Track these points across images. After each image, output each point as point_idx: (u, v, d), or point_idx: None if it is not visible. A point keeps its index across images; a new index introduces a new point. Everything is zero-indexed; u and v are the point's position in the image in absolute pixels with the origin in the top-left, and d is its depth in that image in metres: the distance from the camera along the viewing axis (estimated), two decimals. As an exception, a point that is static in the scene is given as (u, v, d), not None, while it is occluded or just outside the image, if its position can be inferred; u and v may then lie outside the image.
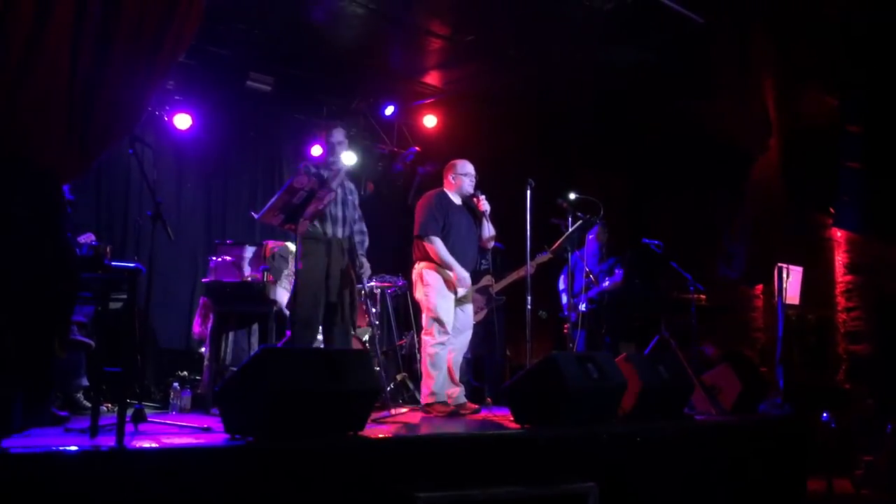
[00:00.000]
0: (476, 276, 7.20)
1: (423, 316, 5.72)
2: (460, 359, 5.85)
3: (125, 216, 7.21)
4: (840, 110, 7.38)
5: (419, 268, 5.73)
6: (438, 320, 5.58)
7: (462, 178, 5.87)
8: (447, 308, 5.63)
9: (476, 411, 5.65)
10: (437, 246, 5.63)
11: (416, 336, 7.50)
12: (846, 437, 6.49)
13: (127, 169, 7.14)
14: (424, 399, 5.57)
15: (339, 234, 5.31)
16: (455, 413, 5.49)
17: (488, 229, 5.95)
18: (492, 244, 6.11)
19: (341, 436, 3.64)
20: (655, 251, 6.97)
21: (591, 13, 6.32)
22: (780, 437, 5.62)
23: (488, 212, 5.87)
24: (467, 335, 5.87)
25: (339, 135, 5.51)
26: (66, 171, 3.64)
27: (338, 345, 5.20)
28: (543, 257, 6.58)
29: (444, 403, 5.51)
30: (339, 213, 5.34)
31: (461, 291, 5.75)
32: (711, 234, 8.11)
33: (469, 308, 5.87)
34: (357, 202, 5.61)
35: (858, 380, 7.34)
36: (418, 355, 7.41)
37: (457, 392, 5.69)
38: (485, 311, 7.12)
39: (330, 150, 5.51)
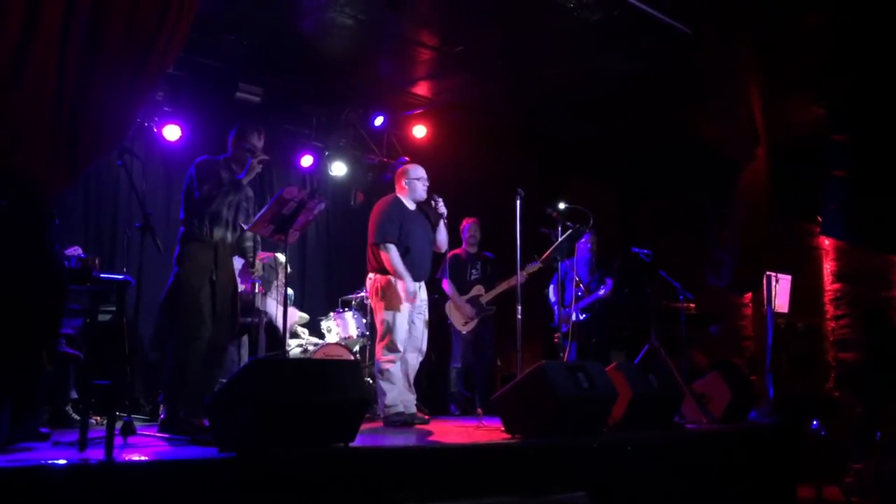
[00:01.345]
0: (467, 287, 7.22)
1: (377, 327, 5.70)
2: (416, 367, 5.81)
3: (114, 228, 7.17)
4: (826, 119, 7.44)
5: (372, 278, 5.72)
6: (391, 334, 5.57)
7: (415, 183, 5.83)
8: (400, 321, 5.59)
9: (426, 421, 5.67)
10: (392, 254, 5.59)
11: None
12: (835, 444, 6.52)
13: (116, 180, 7.11)
14: (382, 411, 5.61)
15: (228, 239, 4.91)
16: (400, 421, 5.49)
17: (444, 234, 5.92)
18: (445, 247, 6.08)
19: (331, 447, 3.63)
20: (644, 260, 6.99)
21: (579, 24, 6.35)
22: (770, 446, 5.64)
23: (445, 215, 5.84)
24: (423, 343, 5.82)
25: (260, 140, 5.06)
26: (55, 183, 3.63)
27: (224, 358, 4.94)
28: (533, 267, 6.60)
29: (400, 413, 5.52)
30: (230, 218, 4.91)
31: (415, 302, 5.71)
32: (700, 242, 8.15)
33: (422, 319, 5.80)
34: (252, 210, 5.07)
35: (848, 388, 7.37)
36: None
37: (410, 400, 5.68)
38: (475, 322, 7.13)
39: (244, 151, 4.97)
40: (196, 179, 4.84)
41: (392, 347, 5.57)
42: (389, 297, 5.59)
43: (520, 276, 5.90)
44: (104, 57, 3.62)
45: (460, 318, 7.16)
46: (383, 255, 5.62)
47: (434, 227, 5.91)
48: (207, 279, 4.76)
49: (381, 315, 5.63)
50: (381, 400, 5.63)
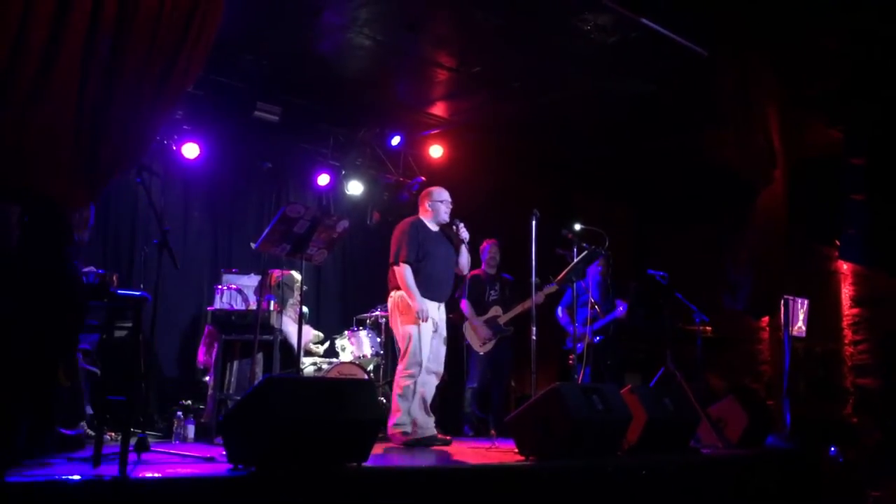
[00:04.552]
0: (485, 308, 7.21)
1: (398, 345, 5.74)
2: (434, 389, 5.82)
3: (132, 244, 7.23)
4: (844, 142, 7.40)
5: (395, 296, 5.75)
6: (413, 350, 5.58)
7: (438, 206, 5.89)
8: (423, 337, 5.62)
9: (447, 443, 5.65)
10: (406, 273, 5.64)
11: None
12: (853, 471, 6.43)
13: (134, 197, 7.17)
14: (389, 430, 5.58)
15: None
16: (421, 443, 5.49)
17: (466, 257, 5.96)
18: (467, 271, 6.13)
19: (344, 466, 3.62)
20: (661, 282, 6.96)
21: (596, 45, 6.37)
22: (788, 471, 5.58)
23: (467, 240, 5.88)
24: (441, 364, 5.83)
25: None
26: (74, 201, 3.67)
27: None
28: (550, 288, 6.59)
29: (405, 433, 5.53)
30: None
31: (437, 322, 5.75)
32: (716, 265, 8.11)
33: (441, 340, 5.83)
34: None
35: (866, 413, 7.28)
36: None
37: (428, 423, 5.67)
38: (493, 342, 7.11)
39: None
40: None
41: (412, 363, 5.57)
42: (411, 313, 5.61)
43: (535, 298, 5.88)
44: (125, 76, 3.66)
45: (478, 339, 7.14)
46: (398, 273, 5.67)
47: (456, 250, 5.94)
48: None
49: (403, 331, 5.65)
50: (391, 417, 5.60)
